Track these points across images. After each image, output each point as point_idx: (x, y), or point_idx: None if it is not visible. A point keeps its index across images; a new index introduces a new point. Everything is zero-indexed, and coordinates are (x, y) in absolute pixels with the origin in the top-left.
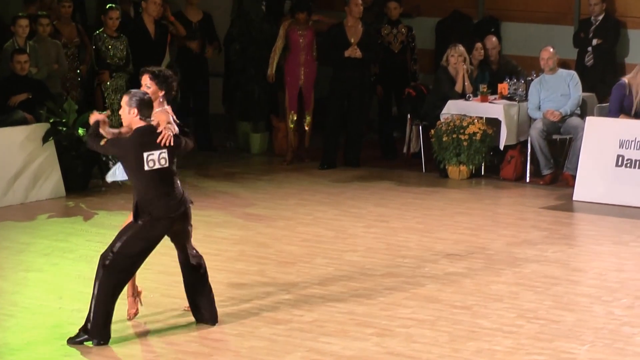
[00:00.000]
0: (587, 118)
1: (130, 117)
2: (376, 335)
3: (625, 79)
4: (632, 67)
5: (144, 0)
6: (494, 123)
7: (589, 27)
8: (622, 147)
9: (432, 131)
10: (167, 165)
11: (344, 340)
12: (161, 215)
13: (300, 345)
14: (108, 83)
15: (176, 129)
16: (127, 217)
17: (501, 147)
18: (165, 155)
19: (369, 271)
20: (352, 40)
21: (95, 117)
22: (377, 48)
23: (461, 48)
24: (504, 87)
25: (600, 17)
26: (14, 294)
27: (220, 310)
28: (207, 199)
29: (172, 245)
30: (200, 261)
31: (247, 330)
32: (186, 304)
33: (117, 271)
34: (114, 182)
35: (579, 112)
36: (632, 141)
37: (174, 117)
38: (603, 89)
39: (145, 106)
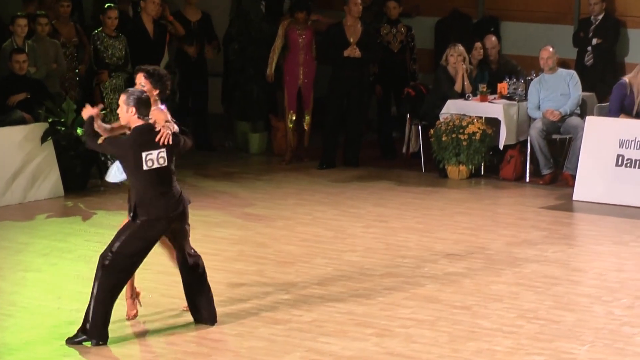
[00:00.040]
0: (587, 118)
1: (128, 115)
2: (376, 335)
3: (626, 79)
4: (632, 67)
5: None
6: (493, 123)
7: (589, 26)
8: (622, 147)
9: (432, 131)
10: (165, 164)
11: (343, 341)
12: (160, 215)
13: (299, 345)
14: (107, 83)
15: (175, 127)
16: (126, 217)
17: (501, 147)
18: (164, 154)
19: (369, 271)
20: (351, 40)
21: (88, 111)
22: (377, 48)
23: (461, 48)
24: (503, 86)
25: (600, 17)
26: (12, 294)
27: (219, 310)
28: (206, 199)
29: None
30: (199, 261)
31: (246, 330)
32: (185, 303)
33: (116, 271)
34: (113, 182)
35: (578, 111)
36: (632, 141)
37: (169, 116)
38: (603, 88)
39: (143, 105)
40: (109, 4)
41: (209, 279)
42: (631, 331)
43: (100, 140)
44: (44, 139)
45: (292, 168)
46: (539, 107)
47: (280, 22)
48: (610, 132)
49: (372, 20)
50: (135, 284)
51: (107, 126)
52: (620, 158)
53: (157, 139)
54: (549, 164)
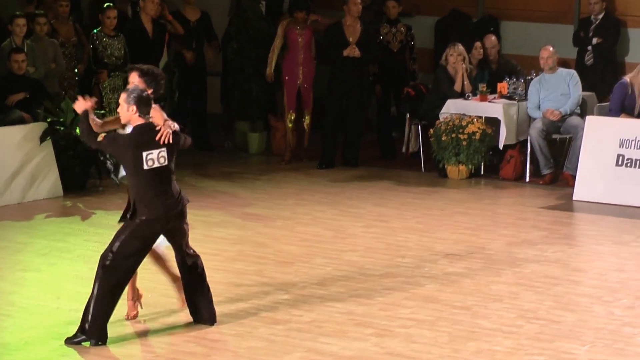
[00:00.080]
0: (587, 117)
1: (129, 114)
2: (375, 335)
3: (626, 78)
4: (632, 66)
5: None
6: (493, 122)
7: (589, 26)
8: (622, 147)
9: (431, 131)
10: (166, 163)
11: (343, 341)
12: (159, 215)
13: (299, 345)
14: (106, 82)
15: (175, 125)
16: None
17: (500, 147)
18: (164, 153)
19: (368, 271)
20: (351, 40)
21: (82, 104)
22: (376, 47)
23: (460, 47)
24: (503, 86)
25: (600, 16)
26: (11, 294)
27: (218, 310)
28: (206, 199)
29: (170, 245)
30: (197, 261)
31: (246, 330)
32: (179, 302)
33: (116, 271)
34: (112, 182)
35: (578, 111)
36: (632, 140)
37: (164, 115)
38: (603, 88)
39: (143, 103)
40: (107, 4)
41: (208, 278)
42: (632, 331)
43: (100, 138)
44: (42, 139)
45: (292, 168)
46: (539, 107)
47: (279, 21)
48: (611, 131)
49: (372, 20)
50: (137, 287)
51: (99, 121)
52: (621, 158)
53: (157, 138)
54: (549, 163)
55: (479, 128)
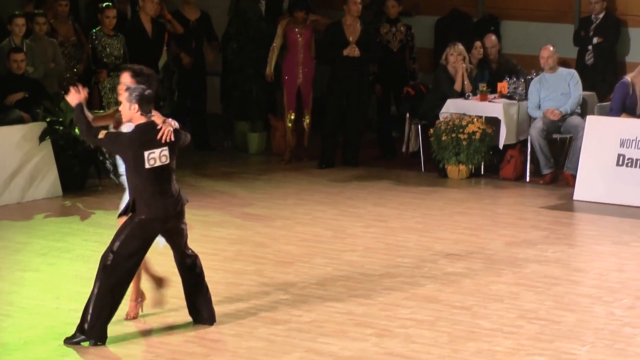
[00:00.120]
0: (588, 117)
1: (131, 112)
2: (375, 335)
3: (628, 78)
4: (633, 66)
5: None
6: (493, 122)
7: (590, 25)
8: (623, 146)
9: (431, 130)
10: (168, 162)
11: (343, 341)
12: (159, 215)
13: (298, 345)
14: (105, 82)
15: (175, 123)
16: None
17: (500, 147)
18: (166, 152)
19: (368, 271)
20: (351, 39)
21: (75, 97)
22: (376, 47)
23: (460, 47)
24: (503, 86)
25: (601, 16)
26: (10, 293)
27: (217, 310)
28: (205, 199)
29: (169, 245)
30: (196, 261)
31: (245, 330)
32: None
33: (117, 271)
34: (111, 182)
35: (579, 111)
36: (632, 140)
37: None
38: (603, 87)
39: (145, 101)
40: (107, 3)
41: (207, 278)
42: (632, 332)
43: (101, 135)
44: (42, 139)
45: (291, 168)
46: (539, 107)
47: (279, 21)
48: (611, 131)
49: (372, 20)
50: (142, 289)
51: (91, 116)
52: (621, 157)
53: (158, 137)
54: (549, 163)
55: (479, 128)
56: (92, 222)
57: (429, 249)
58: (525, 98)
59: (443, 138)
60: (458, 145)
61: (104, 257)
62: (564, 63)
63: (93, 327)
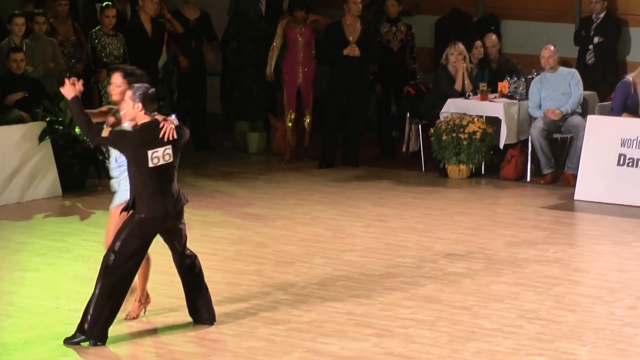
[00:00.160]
0: (589, 117)
1: (134, 111)
2: (375, 335)
3: (629, 77)
4: (634, 65)
5: None
6: (494, 122)
7: (590, 25)
8: (624, 146)
9: (432, 130)
10: (171, 160)
11: (343, 341)
12: (158, 214)
13: (298, 345)
14: (105, 82)
15: (176, 121)
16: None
17: (501, 146)
18: (169, 151)
19: (368, 271)
20: (351, 39)
21: (71, 89)
22: (376, 47)
23: (461, 46)
24: (504, 85)
25: (602, 15)
26: (10, 293)
27: (217, 310)
28: (205, 199)
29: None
30: (195, 261)
31: (245, 330)
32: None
33: (118, 272)
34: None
35: (580, 110)
36: (633, 140)
37: None
38: (604, 87)
39: (149, 100)
40: (106, 2)
41: (207, 278)
42: (633, 332)
43: (105, 134)
44: (41, 138)
45: (291, 168)
46: (540, 106)
47: (279, 21)
48: (612, 131)
49: (372, 19)
50: (147, 291)
51: (86, 111)
52: (622, 157)
53: (160, 136)
54: (550, 163)
55: (479, 127)
56: (92, 222)
57: (429, 249)
58: (526, 98)
59: (443, 138)
60: (458, 145)
61: (106, 258)
62: (564, 63)
63: (93, 328)
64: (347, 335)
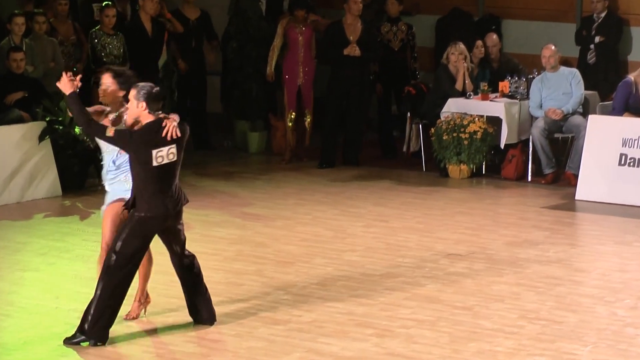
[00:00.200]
0: (590, 116)
1: (138, 110)
2: (376, 336)
3: (631, 77)
4: (635, 65)
5: None
6: (494, 122)
7: (591, 24)
8: (625, 146)
9: (433, 130)
10: (175, 159)
11: (343, 341)
12: (158, 213)
13: (299, 345)
14: None
15: (177, 117)
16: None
17: (502, 146)
18: (174, 149)
19: (369, 271)
20: (351, 39)
21: (68, 84)
22: (377, 46)
23: (462, 46)
24: (505, 85)
25: (603, 15)
26: (10, 293)
27: (218, 310)
28: (205, 198)
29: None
30: (194, 261)
31: (245, 330)
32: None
33: (119, 272)
34: None
35: (581, 110)
36: (635, 140)
37: None
38: (605, 87)
39: (153, 99)
40: (107, 2)
41: (208, 278)
42: (634, 332)
43: (110, 133)
44: (41, 138)
45: (292, 167)
46: (541, 106)
47: (279, 20)
48: (613, 131)
49: (373, 19)
50: (148, 292)
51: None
52: (623, 157)
53: (163, 135)
54: (551, 163)
55: (480, 127)
56: (92, 222)
57: (430, 249)
58: (527, 97)
59: (444, 137)
60: (459, 144)
61: (108, 259)
62: (565, 62)
63: (93, 328)
64: (347, 335)
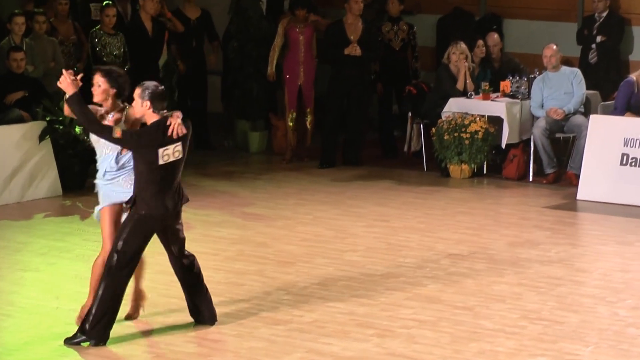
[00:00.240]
0: (591, 116)
1: (143, 109)
2: (377, 336)
3: (632, 76)
4: (636, 64)
5: None
6: (496, 121)
7: (593, 24)
8: (627, 146)
9: (434, 129)
10: (180, 157)
11: (344, 341)
12: (158, 212)
13: (299, 346)
14: None
15: (180, 114)
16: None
17: (503, 146)
18: (179, 147)
19: (370, 271)
20: (352, 38)
21: (70, 84)
22: (377, 46)
23: (463, 45)
24: (506, 84)
25: (604, 14)
26: (10, 293)
27: (218, 310)
28: (206, 198)
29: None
30: (194, 261)
31: (246, 330)
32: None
33: (120, 272)
34: None
35: (582, 110)
36: (636, 139)
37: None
38: (607, 86)
39: (157, 98)
40: (107, 2)
41: (208, 278)
42: (636, 332)
43: (117, 134)
44: (41, 138)
45: (293, 167)
46: (542, 106)
47: (280, 19)
48: (615, 130)
49: (374, 18)
50: (143, 289)
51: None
52: (625, 157)
53: (169, 133)
54: (552, 163)
55: (481, 127)
56: (92, 222)
57: (431, 249)
58: (528, 97)
59: (445, 137)
60: (460, 144)
61: (110, 259)
62: (567, 62)
63: (94, 328)
64: (348, 335)
